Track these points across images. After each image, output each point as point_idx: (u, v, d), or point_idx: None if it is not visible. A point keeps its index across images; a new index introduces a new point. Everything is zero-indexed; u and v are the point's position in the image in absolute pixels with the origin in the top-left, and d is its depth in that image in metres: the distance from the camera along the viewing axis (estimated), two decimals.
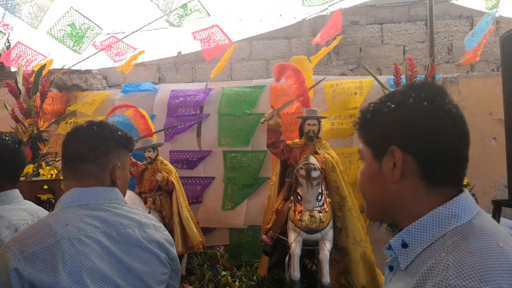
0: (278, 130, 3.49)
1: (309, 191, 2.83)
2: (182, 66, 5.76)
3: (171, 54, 5.89)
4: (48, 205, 3.81)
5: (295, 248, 2.83)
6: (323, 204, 2.91)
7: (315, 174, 2.85)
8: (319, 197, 2.89)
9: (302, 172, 2.89)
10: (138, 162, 3.97)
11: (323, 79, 4.05)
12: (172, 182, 3.74)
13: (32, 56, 5.51)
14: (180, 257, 3.65)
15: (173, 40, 5.96)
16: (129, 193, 3.35)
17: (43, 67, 5.08)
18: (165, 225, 3.64)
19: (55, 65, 5.43)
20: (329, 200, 3.12)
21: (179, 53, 5.85)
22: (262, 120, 3.54)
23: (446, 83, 4.46)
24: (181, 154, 5.07)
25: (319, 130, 3.53)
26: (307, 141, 3.49)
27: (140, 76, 5.87)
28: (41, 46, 5.82)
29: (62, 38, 4.92)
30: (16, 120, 4.60)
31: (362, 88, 4.49)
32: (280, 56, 5.39)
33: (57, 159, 4.71)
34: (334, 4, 4.66)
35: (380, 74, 5.00)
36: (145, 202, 3.75)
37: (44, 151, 4.55)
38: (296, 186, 2.97)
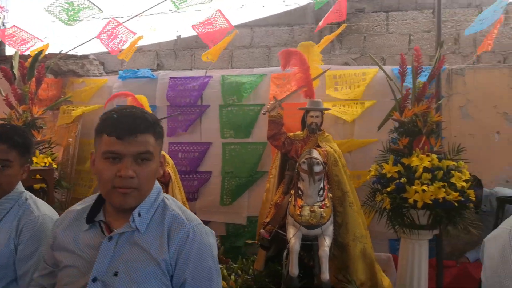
0: (279, 121, 3.39)
1: (310, 186, 2.75)
2: (181, 53, 5.63)
3: (170, 38, 5.75)
4: (42, 194, 3.75)
5: (294, 243, 2.76)
6: (324, 199, 2.83)
7: (317, 168, 2.77)
8: (321, 192, 2.81)
9: (304, 166, 2.80)
10: None
11: (327, 70, 3.93)
12: (169, 173, 3.66)
13: (27, 38, 5.38)
14: None
15: (173, 25, 5.83)
16: None
17: (39, 52, 4.97)
18: None
19: (50, 50, 5.32)
20: (330, 195, 3.04)
21: (179, 37, 5.72)
22: (263, 111, 3.44)
23: (451, 74, 4.35)
24: (181, 146, 4.99)
25: (321, 123, 3.42)
26: (309, 133, 3.39)
27: (138, 62, 5.75)
28: (37, 31, 5.71)
29: (58, 14, 4.78)
30: (10, 106, 4.50)
31: (365, 79, 4.38)
32: (282, 44, 5.26)
33: (51, 147, 4.63)
34: None
35: (384, 64, 4.87)
36: None
37: (39, 139, 4.46)
38: (297, 180, 2.89)
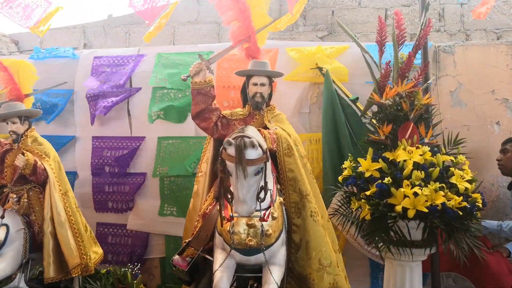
0: (208, 92, 2.42)
1: (241, 185, 1.74)
2: (113, 30, 4.63)
3: (100, 18, 4.74)
4: None
5: (220, 280, 1.77)
6: (269, 206, 1.86)
7: (252, 154, 1.77)
8: (262, 195, 1.84)
9: (231, 150, 1.79)
10: (2, 140, 2.81)
11: (279, 18, 2.96)
12: (44, 169, 2.60)
13: None
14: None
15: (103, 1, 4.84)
16: None
17: None
18: (33, 236, 2.52)
19: None
20: (281, 199, 2.07)
21: (110, 15, 4.71)
22: (184, 76, 2.47)
23: (439, 52, 3.55)
24: (106, 141, 3.96)
25: (270, 95, 2.49)
26: (252, 110, 2.45)
27: (61, 41, 4.71)
28: None
29: None
30: None
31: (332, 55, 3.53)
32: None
33: None
34: None
35: None
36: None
37: None
38: (223, 176, 1.88)
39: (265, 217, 1.79)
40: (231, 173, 1.77)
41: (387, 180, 2.41)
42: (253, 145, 1.77)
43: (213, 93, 2.46)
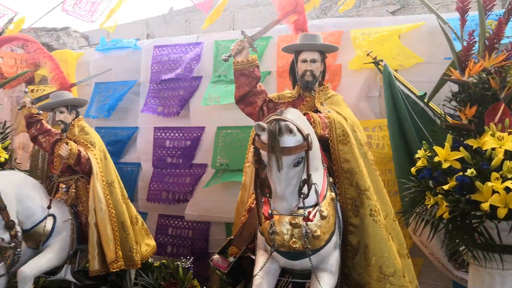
0: (252, 73, 2.18)
1: (277, 177, 1.47)
2: (174, 19, 4.60)
3: (162, 12, 4.76)
4: None
5: (259, 286, 1.56)
6: (316, 204, 1.60)
7: (288, 140, 1.49)
8: (305, 190, 1.54)
9: (264, 136, 1.53)
10: (53, 130, 2.83)
11: None
12: (88, 159, 2.56)
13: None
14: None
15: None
16: (16, 175, 2.24)
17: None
18: (80, 227, 2.50)
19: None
20: (333, 194, 1.79)
21: (171, 9, 4.71)
22: (225, 56, 2.27)
23: None
24: (168, 132, 3.94)
25: (324, 73, 2.19)
26: (301, 91, 2.18)
27: (126, 34, 4.80)
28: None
29: None
30: None
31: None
32: None
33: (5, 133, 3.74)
34: None
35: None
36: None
37: None
38: (259, 167, 1.58)
39: (310, 217, 1.54)
40: (267, 164, 1.54)
41: (470, 172, 2.03)
42: (289, 130, 1.50)
43: (257, 73, 2.23)
